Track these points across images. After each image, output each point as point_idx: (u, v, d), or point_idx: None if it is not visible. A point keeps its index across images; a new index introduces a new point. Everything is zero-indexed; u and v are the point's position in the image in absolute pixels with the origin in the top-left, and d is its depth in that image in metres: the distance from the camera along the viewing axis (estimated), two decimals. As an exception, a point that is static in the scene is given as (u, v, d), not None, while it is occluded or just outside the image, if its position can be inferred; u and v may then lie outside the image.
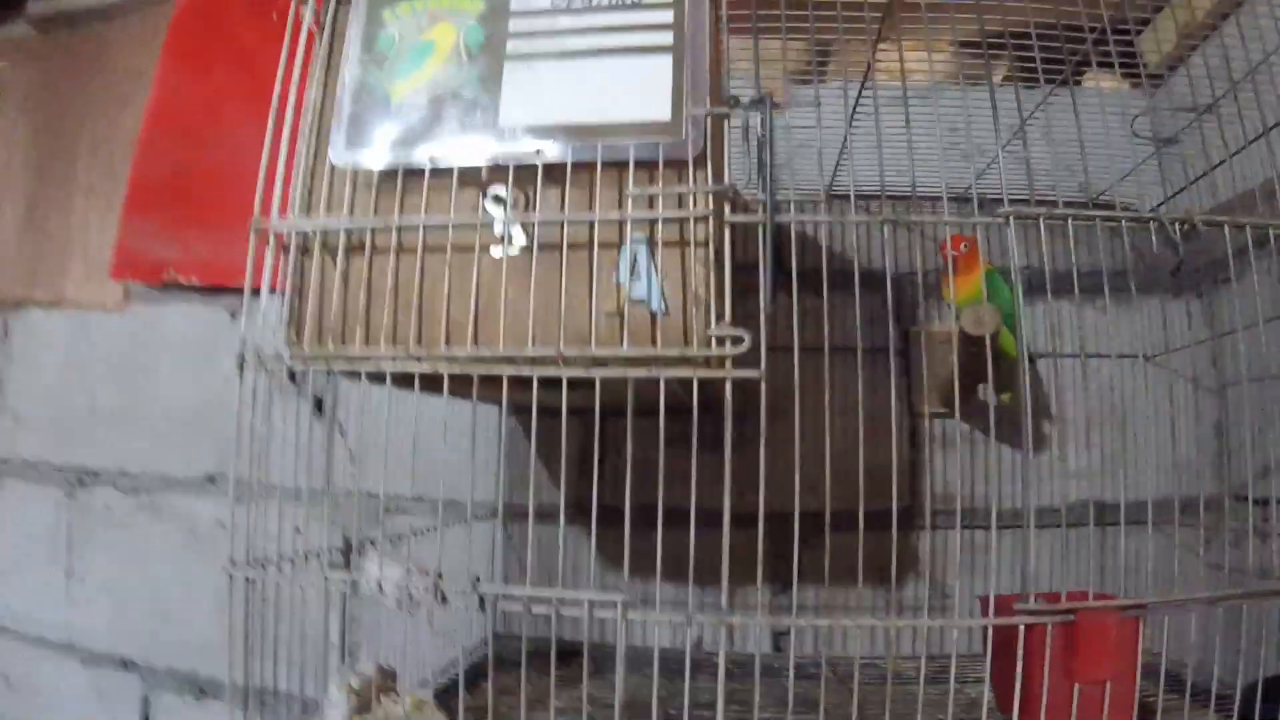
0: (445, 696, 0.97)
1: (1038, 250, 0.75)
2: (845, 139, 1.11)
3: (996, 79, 1.25)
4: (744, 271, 0.70)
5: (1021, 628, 0.68)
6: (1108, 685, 0.70)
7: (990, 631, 0.68)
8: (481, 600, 0.68)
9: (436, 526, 1.10)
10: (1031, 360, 1.22)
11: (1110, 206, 1.27)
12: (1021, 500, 1.20)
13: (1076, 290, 0.79)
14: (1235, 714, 0.81)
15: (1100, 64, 1.04)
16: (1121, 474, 1.20)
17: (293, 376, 1.42)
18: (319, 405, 1.41)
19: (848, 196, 0.75)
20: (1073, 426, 1.29)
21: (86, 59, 1.72)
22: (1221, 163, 1.04)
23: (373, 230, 0.73)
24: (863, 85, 1.05)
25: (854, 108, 1.05)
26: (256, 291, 0.76)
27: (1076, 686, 0.69)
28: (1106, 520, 1.20)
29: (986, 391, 1.26)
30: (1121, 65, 1.04)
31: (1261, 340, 0.92)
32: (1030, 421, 1.23)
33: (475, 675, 1.11)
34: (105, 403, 1.58)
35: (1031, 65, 0.97)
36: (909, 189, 0.84)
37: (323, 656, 0.84)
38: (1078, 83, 1.13)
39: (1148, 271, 1.30)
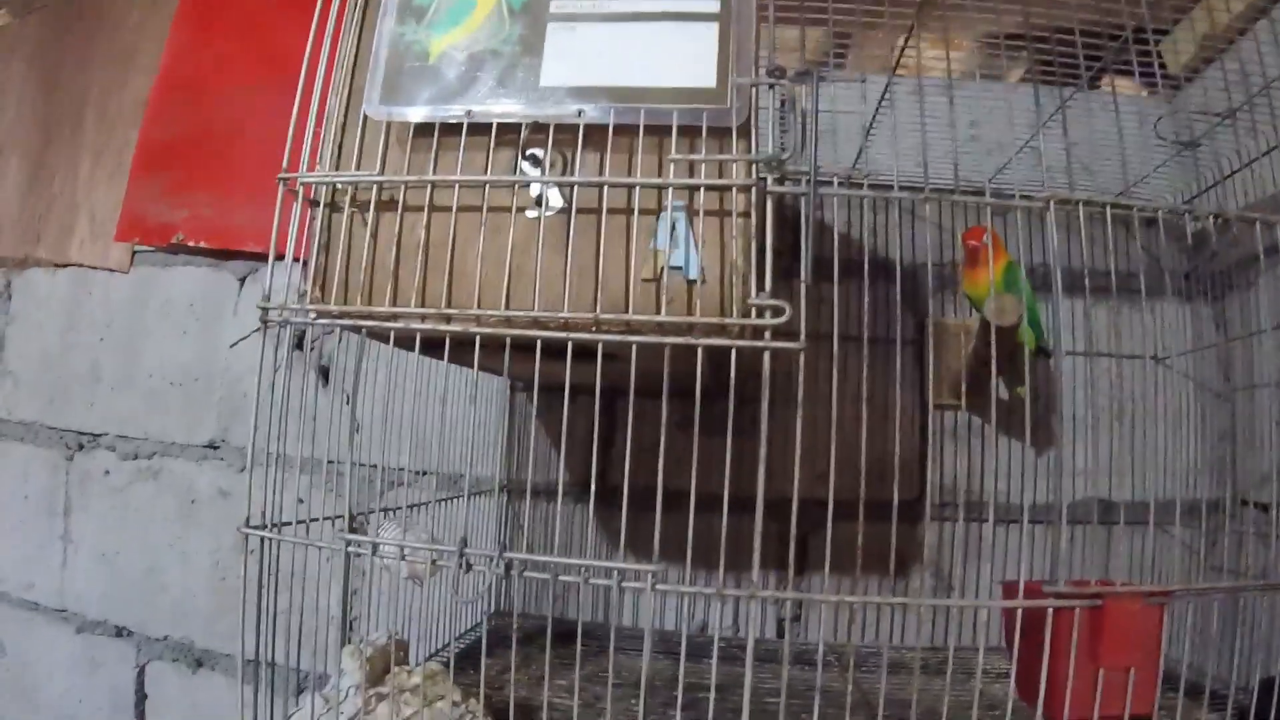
0: (456, 668, 0.96)
1: (1063, 246, 0.75)
2: (870, 124, 1.11)
3: (1015, 77, 1.25)
4: (777, 257, 0.69)
5: (1050, 611, 0.67)
6: (1132, 671, 0.69)
7: (1020, 615, 0.68)
8: (508, 568, 0.67)
9: (455, 497, 1.10)
10: (1047, 354, 1.22)
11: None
12: (1035, 494, 1.20)
13: (1114, 285, 0.79)
14: (1253, 712, 0.81)
15: (1122, 70, 1.04)
16: (1129, 473, 1.20)
17: (300, 344, 1.42)
18: (325, 375, 1.39)
19: (889, 184, 0.74)
20: (1082, 424, 1.29)
21: (95, 15, 1.70)
22: (1252, 161, 1.04)
23: (405, 186, 0.72)
24: (892, 75, 1.05)
25: (884, 94, 1.05)
26: (281, 256, 0.75)
27: (1101, 671, 0.68)
28: (1112, 519, 1.20)
29: (1000, 385, 1.27)
30: (1143, 70, 1.04)
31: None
32: (1051, 415, 1.23)
33: (487, 650, 1.10)
34: (106, 365, 1.56)
35: (1061, 65, 0.97)
36: (943, 179, 0.84)
37: (323, 630, 0.83)
38: (1096, 86, 1.13)
39: (1161, 275, 1.31)
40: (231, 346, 1.47)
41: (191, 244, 1.51)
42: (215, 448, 1.48)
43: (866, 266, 0.73)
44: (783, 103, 0.76)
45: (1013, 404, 1.20)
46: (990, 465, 1.22)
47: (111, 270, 1.58)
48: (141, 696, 1.50)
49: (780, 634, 1.26)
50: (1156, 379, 1.28)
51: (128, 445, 1.53)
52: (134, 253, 1.57)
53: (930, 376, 1.21)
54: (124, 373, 1.55)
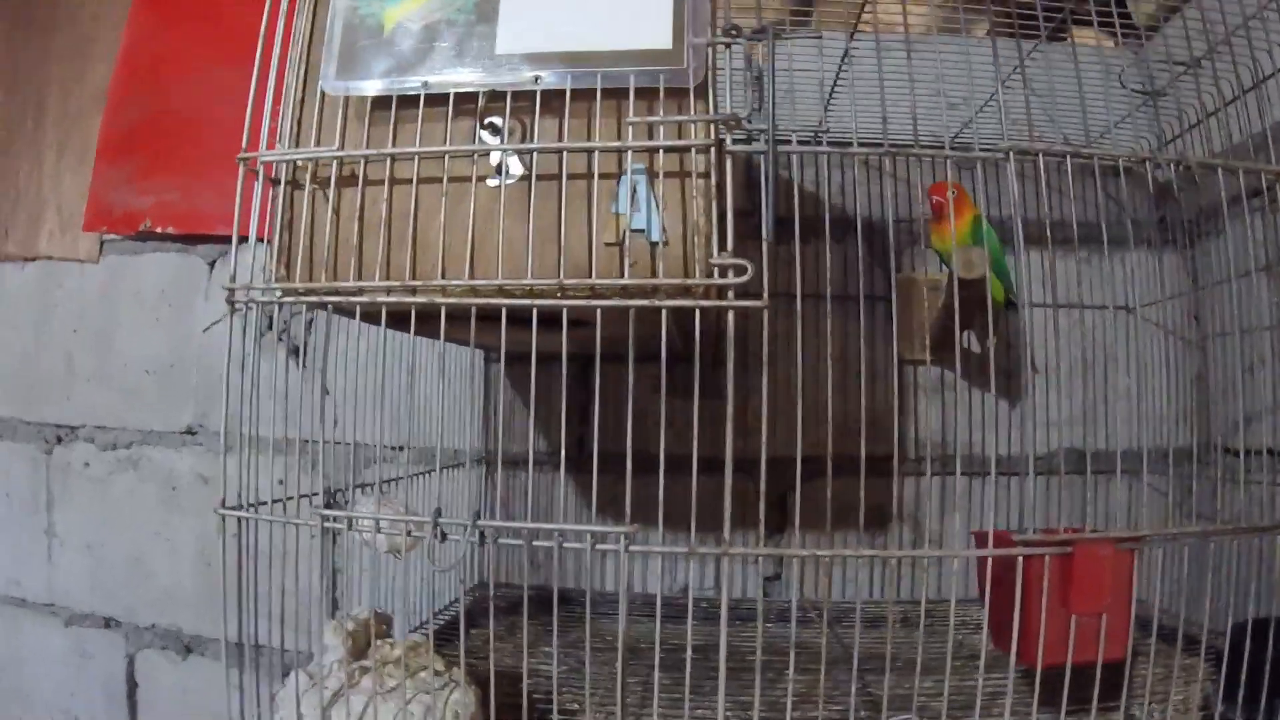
0: (439, 640, 0.96)
1: (1031, 197, 0.75)
2: (834, 83, 1.10)
3: (982, 31, 1.24)
4: (739, 218, 0.69)
5: (1020, 559, 0.68)
6: (1104, 617, 0.70)
7: (990, 564, 0.69)
8: (482, 536, 0.67)
9: (429, 471, 1.10)
10: (1015, 307, 1.23)
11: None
12: (1007, 445, 1.21)
13: (1075, 237, 0.79)
14: (1225, 654, 0.82)
15: (1088, 20, 1.04)
16: (1103, 422, 1.21)
17: (271, 325, 1.41)
18: (299, 354, 1.39)
19: (849, 141, 0.74)
20: (1056, 375, 1.30)
21: (50, 6, 1.68)
22: (1215, 112, 1.04)
23: (365, 160, 0.72)
24: (854, 31, 1.05)
25: (845, 53, 1.05)
26: (245, 237, 0.75)
27: (1074, 618, 0.69)
28: (1087, 468, 1.22)
29: (970, 338, 1.27)
30: (1109, 20, 1.04)
31: (1253, 289, 0.93)
32: (1020, 367, 1.24)
33: (468, 621, 1.11)
34: (81, 357, 1.56)
35: (1023, 17, 0.97)
36: (906, 135, 0.84)
37: (308, 609, 0.83)
38: (1061, 38, 1.12)
39: (1130, 225, 1.31)
40: (204, 331, 1.46)
41: (159, 230, 1.50)
42: (193, 433, 1.48)
43: (828, 225, 0.73)
44: (748, 61, 0.76)
45: (985, 357, 1.21)
46: (964, 418, 1.23)
47: (81, 261, 1.57)
48: (132, 686, 1.51)
49: (767, 593, 1.28)
50: (1128, 328, 1.29)
51: (106, 436, 1.52)
52: (102, 242, 1.56)
53: (896, 332, 1.21)
54: (99, 363, 1.54)
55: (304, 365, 1.34)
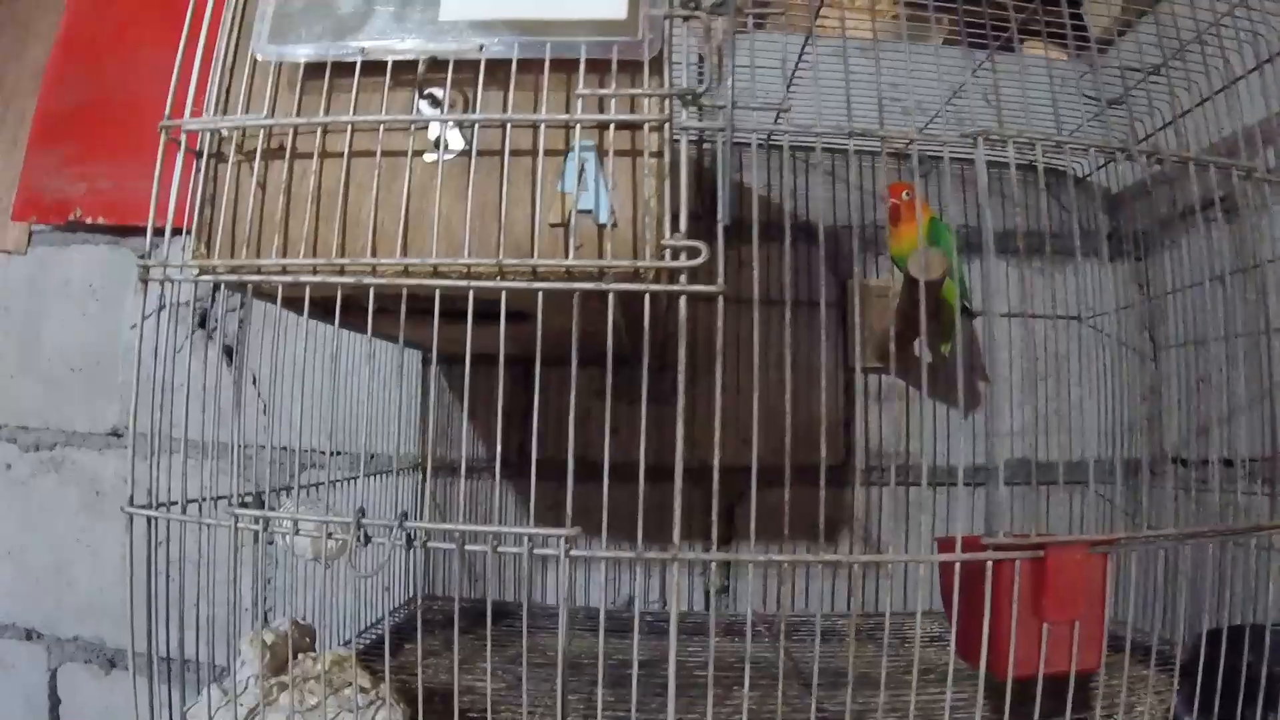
0: (368, 656, 0.91)
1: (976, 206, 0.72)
2: (795, 67, 1.07)
3: (939, 39, 1.23)
4: (690, 221, 0.65)
5: (989, 565, 0.64)
6: (1076, 624, 0.67)
7: (957, 570, 0.65)
8: (409, 539, 0.62)
9: (354, 477, 1.04)
10: (970, 313, 1.20)
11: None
12: (960, 455, 1.19)
13: (1037, 246, 0.76)
14: (1200, 662, 0.79)
15: (1046, 32, 1.02)
16: (1056, 432, 1.20)
17: (203, 323, 1.35)
18: (229, 353, 1.33)
19: (810, 127, 0.70)
20: (1008, 385, 1.28)
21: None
22: (1185, 114, 1.03)
23: (295, 130, 0.67)
24: (810, 34, 1.02)
25: (807, 37, 1.02)
26: (160, 230, 0.69)
27: (1045, 625, 0.66)
28: (1040, 479, 1.20)
29: (922, 345, 1.25)
30: (1063, 33, 1.02)
31: (1209, 297, 0.91)
32: (973, 374, 1.22)
33: (401, 635, 1.05)
34: (5, 352, 1.47)
35: (976, 27, 0.95)
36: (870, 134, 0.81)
37: (238, 620, 0.77)
38: (1014, 49, 1.11)
39: (1084, 236, 1.31)
40: (133, 328, 1.39)
41: (89, 220, 1.43)
42: (119, 435, 1.41)
43: (788, 225, 0.70)
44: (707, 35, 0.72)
45: (938, 365, 1.18)
46: (916, 427, 1.20)
47: (9, 252, 1.49)
48: (55, 701, 1.43)
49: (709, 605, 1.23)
50: (1080, 339, 1.28)
51: (28, 436, 1.44)
52: (31, 232, 1.48)
53: (856, 338, 1.19)
54: (23, 359, 1.46)
55: (234, 364, 1.28)
